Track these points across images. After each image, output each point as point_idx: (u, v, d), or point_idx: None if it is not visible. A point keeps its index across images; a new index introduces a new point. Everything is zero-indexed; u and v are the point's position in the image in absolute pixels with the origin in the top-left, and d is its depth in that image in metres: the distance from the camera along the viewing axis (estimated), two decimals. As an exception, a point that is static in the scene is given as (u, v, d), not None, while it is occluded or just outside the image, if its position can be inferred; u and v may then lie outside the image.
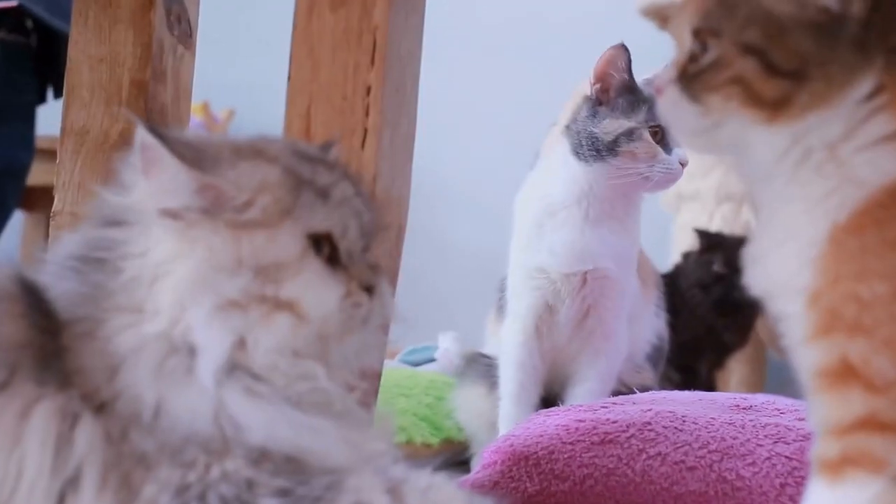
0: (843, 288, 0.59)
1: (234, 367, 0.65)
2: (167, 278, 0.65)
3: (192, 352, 0.64)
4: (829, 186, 0.61)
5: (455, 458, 1.41)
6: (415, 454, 1.37)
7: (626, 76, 1.31)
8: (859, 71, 0.61)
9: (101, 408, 0.62)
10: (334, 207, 0.69)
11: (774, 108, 0.62)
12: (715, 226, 2.17)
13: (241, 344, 0.65)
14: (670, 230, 2.35)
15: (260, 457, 0.63)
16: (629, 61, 1.31)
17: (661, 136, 1.29)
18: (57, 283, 0.66)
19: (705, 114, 0.65)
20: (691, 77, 0.65)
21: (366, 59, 0.84)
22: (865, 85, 0.61)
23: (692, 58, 0.66)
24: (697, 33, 0.65)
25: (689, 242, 2.01)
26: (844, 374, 0.59)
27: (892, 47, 0.61)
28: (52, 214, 1.00)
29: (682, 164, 1.30)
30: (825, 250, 0.60)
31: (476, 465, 1.10)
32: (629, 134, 1.30)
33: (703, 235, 1.93)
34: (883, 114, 0.60)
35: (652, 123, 1.29)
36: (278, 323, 0.65)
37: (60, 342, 0.64)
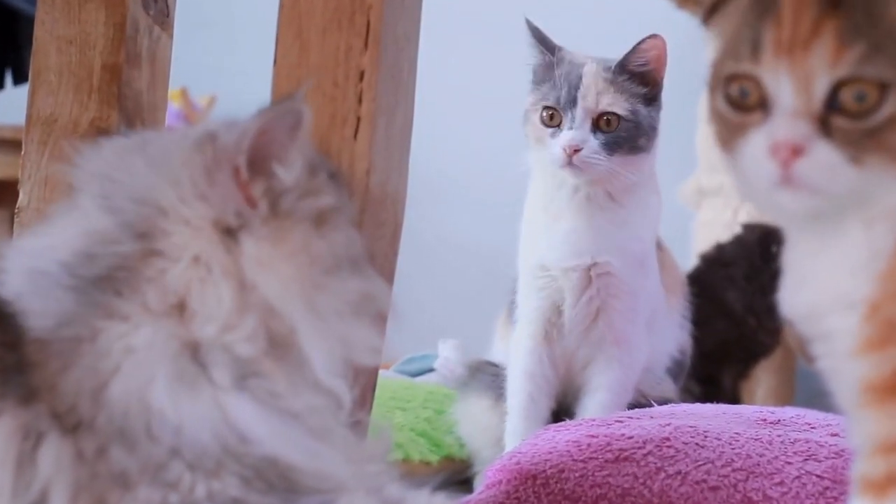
0: None
1: (251, 374, 0.65)
2: (245, 282, 0.66)
3: (229, 358, 0.65)
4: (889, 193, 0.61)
5: (456, 476, 1.41)
6: (412, 473, 1.37)
7: (547, 54, 1.33)
8: None
9: (76, 426, 0.62)
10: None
11: None
12: (740, 223, 2.17)
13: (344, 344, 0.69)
14: (690, 228, 2.34)
15: (254, 474, 0.63)
16: (541, 35, 1.34)
17: (558, 119, 1.29)
18: (38, 299, 0.65)
19: (862, 176, 0.60)
20: (858, 135, 0.59)
21: (359, 41, 0.84)
22: None
23: (846, 112, 0.59)
24: (848, 82, 0.59)
25: (712, 240, 2.01)
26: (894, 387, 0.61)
27: None
28: (16, 210, 0.99)
29: (566, 150, 1.26)
30: (890, 263, 0.61)
31: (479, 484, 1.10)
32: (525, 116, 1.33)
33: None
34: None
35: (545, 104, 1.30)
36: (372, 318, 0.71)
37: (23, 356, 0.64)
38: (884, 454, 0.61)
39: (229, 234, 0.67)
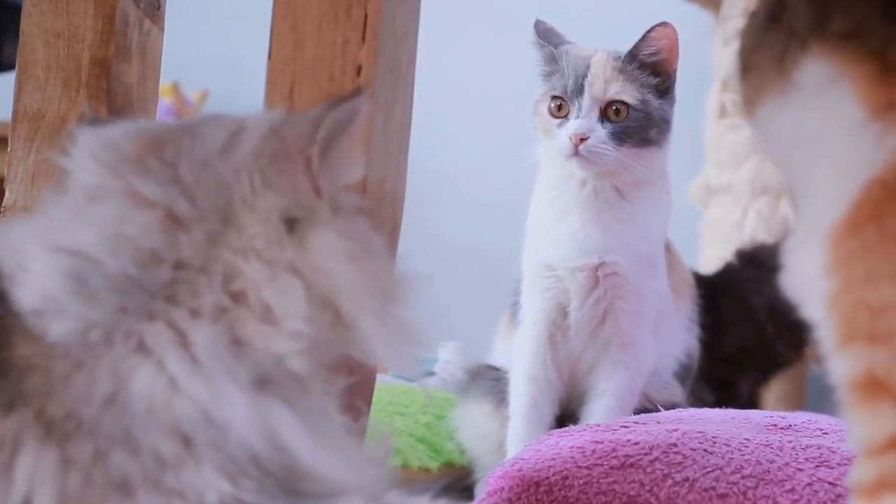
0: (854, 293, 0.60)
1: (292, 382, 0.66)
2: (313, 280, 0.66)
3: (274, 364, 0.65)
4: (825, 181, 0.62)
5: (457, 483, 1.41)
6: (411, 479, 1.37)
7: (548, 47, 1.34)
8: (790, 56, 0.63)
9: (70, 431, 0.62)
10: None
11: (742, 107, 0.69)
12: (749, 222, 2.16)
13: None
14: (698, 227, 2.34)
15: (271, 480, 0.63)
16: (546, 32, 1.36)
17: (566, 110, 1.31)
18: (68, 302, 0.64)
19: None
20: None
21: (356, 34, 0.84)
22: (812, 72, 0.62)
23: None
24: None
25: (720, 240, 2.00)
26: (872, 387, 0.59)
27: (841, 32, 0.62)
28: (2, 209, 0.99)
29: (572, 139, 1.27)
30: (831, 252, 0.61)
31: (480, 492, 1.10)
32: (534, 108, 1.34)
33: None
34: (849, 100, 0.61)
35: (552, 94, 1.32)
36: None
37: (11, 358, 0.63)
38: (872, 457, 0.60)
39: (294, 226, 0.67)
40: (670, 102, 1.32)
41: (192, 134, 0.70)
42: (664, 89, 1.31)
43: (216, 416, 0.62)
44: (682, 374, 1.44)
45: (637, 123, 1.29)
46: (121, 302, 0.64)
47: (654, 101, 1.30)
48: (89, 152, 0.70)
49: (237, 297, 0.65)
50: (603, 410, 1.31)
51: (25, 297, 0.64)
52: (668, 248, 1.41)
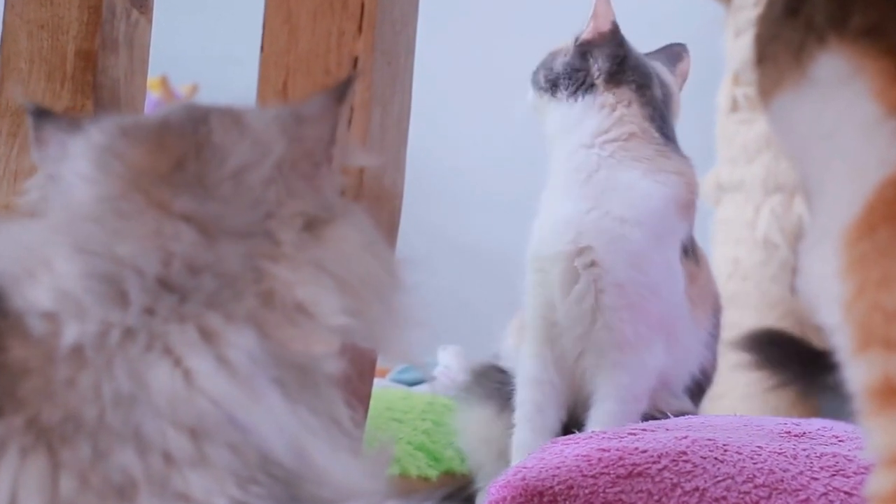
0: (869, 297, 0.60)
1: (320, 388, 0.68)
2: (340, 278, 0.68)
3: (306, 368, 0.66)
4: (839, 180, 0.62)
5: (457, 493, 1.41)
6: (410, 489, 1.37)
7: None
8: (807, 50, 0.63)
9: (68, 434, 0.62)
10: None
11: (758, 97, 0.70)
12: (762, 221, 2.16)
13: None
14: (709, 226, 2.35)
15: (279, 487, 0.64)
16: None
17: None
18: (80, 305, 0.64)
19: None
20: None
21: (352, 25, 0.84)
22: (829, 66, 0.62)
23: None
24: None
25: (732, 239, 2.00)
26: (890, 393, 0.60)
27: (861, 28, 0.62)
28: (-16, 208, 1.00)
29: None
30: (844, 254, 0.61)
31: (481, 501, 1.10)
32: None
33: None
34: (866, 97, 0.62)
35: None
36: None
37: (3, 362, 0.63)
38: (891, 466, 0.60)
39: (314, 225, 0.70)
40: (571, 60, 1.40)
41: (209, 141, 0.71)
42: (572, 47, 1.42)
43: (241, 418, 0.63)
44: (693, 391, 1.42)
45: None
46: (149, 305, 0.64)
47: (559, 55, 1.42)
48: (88, 160, 0.70)
49: (272, 302, 0.66)
50: (605, 415, 1.30)
51: (39, 297, 0.64)
52: (697, 259, 1.39)
